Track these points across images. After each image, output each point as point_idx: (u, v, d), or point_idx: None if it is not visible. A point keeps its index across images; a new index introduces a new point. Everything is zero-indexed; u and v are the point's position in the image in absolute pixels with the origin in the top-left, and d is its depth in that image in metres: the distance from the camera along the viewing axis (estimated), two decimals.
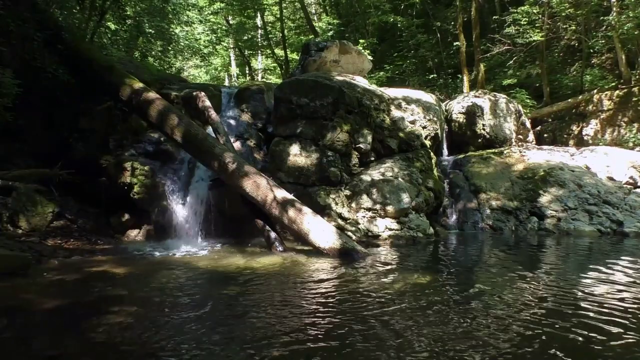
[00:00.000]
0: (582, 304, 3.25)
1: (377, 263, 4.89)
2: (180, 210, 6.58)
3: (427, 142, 8.35)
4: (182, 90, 8.15)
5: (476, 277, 4.40)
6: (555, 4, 11.99)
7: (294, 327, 2.82)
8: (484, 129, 10.10)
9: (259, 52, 23.05)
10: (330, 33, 17.78)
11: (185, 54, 18.89)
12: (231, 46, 23.21)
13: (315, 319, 2.97)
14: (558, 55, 13.82)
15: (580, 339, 2.59)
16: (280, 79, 18.35)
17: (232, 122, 7.88)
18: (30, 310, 3.22)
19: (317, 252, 5.32)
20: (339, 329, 2.78)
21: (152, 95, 6.82)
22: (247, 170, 5.92)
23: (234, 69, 24.84)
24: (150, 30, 13.88)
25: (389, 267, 4.73)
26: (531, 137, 11.09)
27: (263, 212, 5.86)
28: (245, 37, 21.55)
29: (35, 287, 3.82)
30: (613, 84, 11.46)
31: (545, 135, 12.20)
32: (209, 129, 6.91)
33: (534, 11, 12.35)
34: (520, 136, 10.71)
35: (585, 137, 11.39)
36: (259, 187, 5.76)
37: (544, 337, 2.61)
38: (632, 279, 4.05)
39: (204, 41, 20.26)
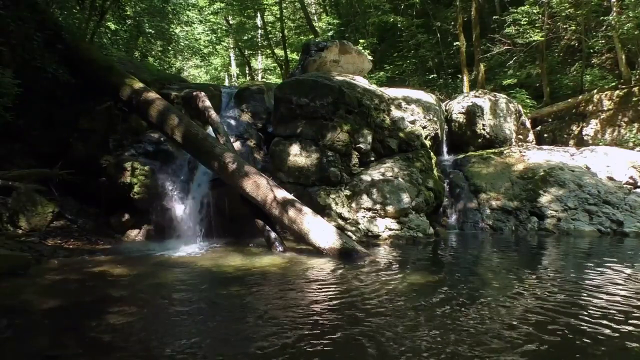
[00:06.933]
0: (582, 305, 3.25)
1: (377, 263, 4.89)
2: (180, 210, 6.58)
3: (427, 142, 8.35)
4: (182, 90, 8.15)
5: (476, 277, 4.40)
6: (555, 4, 11.99)
7: (294, 327, 2.82)
8: (484, 129, 10.10)
9: (259, 52, 23.07)
10: (330, 33, 17.79)
11: (185, 54, 18.91)
12: (231, 46, 23.23)
13: (316, 319, 2.97)
14: (558, 55, 13.81)
15: (578, 341, 2.59)
16: (280, 79, 18.36)
17: (232, 122, 7.87)
18: (30, 310, 3.22)
19: (317, 252, 5.32)
20: (339, 328, 2.78)
21: (152, 95, 6.82)
22: (247, 170, 5.92)
23: (234, 69, 24.86)
24: (150, 30, 13.89)
25: (389, 267, 4.73)
26: (531, 137, 11.09)
27: (263, 212, 5.86)
28: (245, 37, 21.56)
29: (35, 287, 3.82)
30: (613, 84, 11.45)
31: (545, 135, 12.20)
32: (209, 129, 6.91)
33: (534, 11, 12.35)
34: (520, 136, 10.71)
35: (585, 137, 11.39)
36: (259, 187, 5.76)
37: (544, 338, 2.61)
38: (632, 279, 4.05)
39: (204, 41, 20.26)
